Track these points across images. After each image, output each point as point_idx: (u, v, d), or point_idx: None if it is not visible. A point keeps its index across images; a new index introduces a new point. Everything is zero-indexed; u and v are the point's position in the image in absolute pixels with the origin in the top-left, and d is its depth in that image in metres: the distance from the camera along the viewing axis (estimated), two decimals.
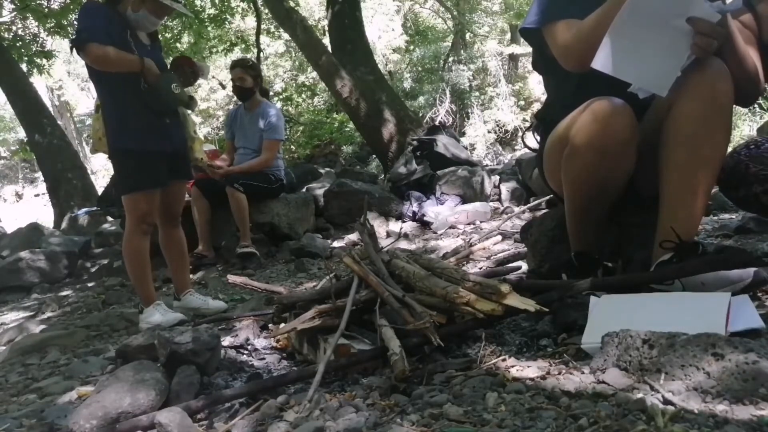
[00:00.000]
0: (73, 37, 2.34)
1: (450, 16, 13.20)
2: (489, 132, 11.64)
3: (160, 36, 2.81)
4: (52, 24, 8.13)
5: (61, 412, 1.37)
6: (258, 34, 9.87)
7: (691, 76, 1.37)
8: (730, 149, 2.21)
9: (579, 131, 1.44)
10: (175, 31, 9.14)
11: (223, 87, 13.70)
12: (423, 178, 4.88)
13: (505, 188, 4.71)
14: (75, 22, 8.67)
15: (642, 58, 1.34)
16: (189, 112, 2.93)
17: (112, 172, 5.13)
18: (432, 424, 0.96)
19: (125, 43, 2.36)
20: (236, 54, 10.85)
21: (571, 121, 1.50)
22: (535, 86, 12.07)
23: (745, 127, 7.71)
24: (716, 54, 1.38)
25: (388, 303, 1.42)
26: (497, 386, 1.09)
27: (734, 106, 1.48)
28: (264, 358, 1.68)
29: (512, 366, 1.20)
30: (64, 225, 6.82)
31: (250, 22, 11.75)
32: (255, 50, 10.00)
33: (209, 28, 9.10)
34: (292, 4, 8.08)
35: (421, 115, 11.18)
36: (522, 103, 12.36)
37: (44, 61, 8.40)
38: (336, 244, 4.15)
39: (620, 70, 1.34)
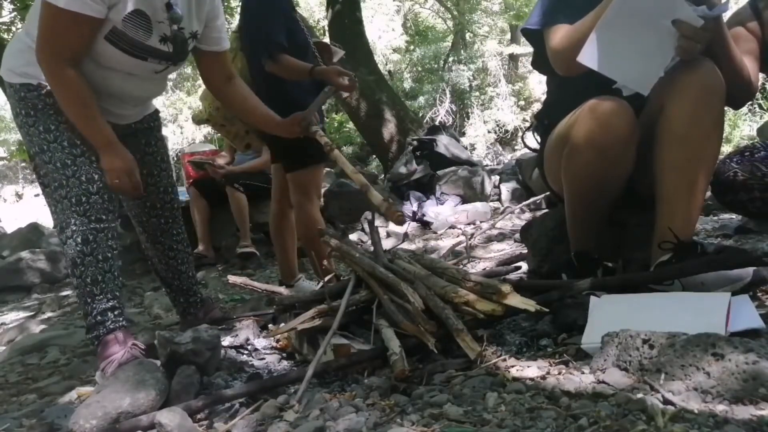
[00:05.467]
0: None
1: (450, 16, 13.19)
2: (489, 132, 11.64)
3: None
4: None
5: (61, 412, 1.37)
6: None
7: (682, 76, 1.38)
8: (727, 152, 2.23)
9: (579, 130, 1.45)
10: None
11: None
12: (423, 178, 4.88)
13: (505, 188, 4.71)
14: None
15: (627, 56, 1.35)
16: None
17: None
18: (432, 424, 0.96)
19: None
20: None
21: (572, 121, 1.50)
22: (536, 86, 12.06)
23: (745, 127, 7.70)
24: (707, 56, 1.39)
25: (385, 306, 1.42)
26: (497, 386, 1.09)
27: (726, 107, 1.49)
28: (264, 358, 1.68)
29: (512, 366, 1.19)
30: None
31: None
32: None
33: None
34: None
35: (421, 115, 11.17)
36: (522, 103, 12.36)
37: None
38: None
39: (605, 67, 1.35)
